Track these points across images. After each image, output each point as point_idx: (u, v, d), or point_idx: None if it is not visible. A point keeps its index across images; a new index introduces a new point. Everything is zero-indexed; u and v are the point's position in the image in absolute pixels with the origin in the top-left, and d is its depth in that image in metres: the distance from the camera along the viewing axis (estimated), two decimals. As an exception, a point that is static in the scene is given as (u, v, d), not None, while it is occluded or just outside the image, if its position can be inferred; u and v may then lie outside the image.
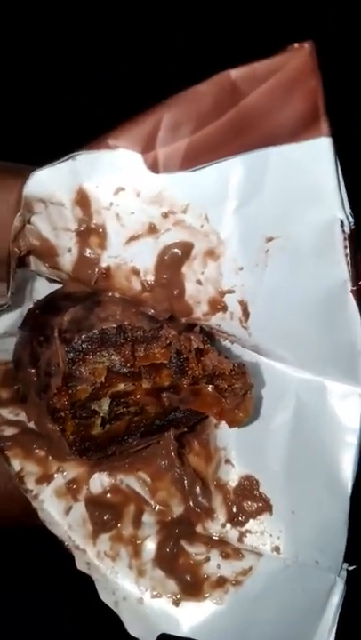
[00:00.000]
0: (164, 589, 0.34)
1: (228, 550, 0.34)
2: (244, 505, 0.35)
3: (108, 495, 0.36)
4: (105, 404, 0.33)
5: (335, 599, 0.35)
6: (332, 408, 0.38)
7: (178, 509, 0.36)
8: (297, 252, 0.33)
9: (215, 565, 0.34)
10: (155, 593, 0.34)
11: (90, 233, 0.32)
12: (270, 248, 0.33)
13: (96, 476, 0.36)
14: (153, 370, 0.34)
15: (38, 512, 0.35)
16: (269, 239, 0.33)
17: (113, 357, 0.34)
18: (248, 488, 0.35)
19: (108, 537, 0.35)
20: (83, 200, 0.30)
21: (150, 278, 0.33)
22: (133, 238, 0.32)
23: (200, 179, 0.30)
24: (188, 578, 0.33)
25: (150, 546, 0.35)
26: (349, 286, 0.34)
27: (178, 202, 0.30)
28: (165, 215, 0.31)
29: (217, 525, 0.36)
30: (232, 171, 0.30)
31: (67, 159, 0.28)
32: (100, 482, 0.36)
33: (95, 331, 0.33)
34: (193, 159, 0.28)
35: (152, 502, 0.36)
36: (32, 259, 0.36)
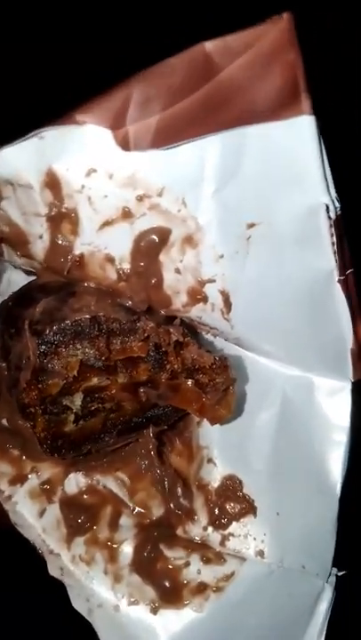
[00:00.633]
0: (141, 596, 0.32)
1: (210, 555, 0.33)
2: (227, 507, 0.34)
3: (84, 496, 0.34)
4: (77, 400, 0.32)
5: (323, 606, 0.34)
6: (320, 405, 0.37)
7: (158, 511, 0.35)
8: (280, 239, 0.32)
9: (195, 571, 0.33)
10: (132, 600, 0.32)
11: (61, 218, 0.30)
12: (251, 235, 0.32)
13: (72, 476, 0.35)
14: (129, 364, 0.33)
15: (10, 515, 0.34)
16: (250, 225, 0.31)
17: (87, 350, 0.32)
18: (231, 489, 0.34)
19: (82, 540, 0.33)
20: (53, 183, 0.29)
21: (126, 266, 0.32)
22: (107, 224, 0.30)
23: (175, 159, 0.28)
24: (167, 584, 0.32)
25: (127, 550, 0.33)
26: (336, 276, 0.33)
27: (153, 184, 0.29)
28: (140, 199, 0.30)
29: (198, 528, 0.34)
30: (208, 151, 0.28)
31: (32, 136, 0.27)
32: (75, 482, 0.35)
33: (68, 322, 0.31)
34: (165, 137, 0.26)
35: (130, 504, 0.35)
36: (5, 247, 0.35)
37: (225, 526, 0.34)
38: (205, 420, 0.36)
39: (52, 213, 0.30)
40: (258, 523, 0.34)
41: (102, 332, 0.32)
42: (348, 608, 0.35)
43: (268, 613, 0.32)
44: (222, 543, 0.34)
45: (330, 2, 0.32)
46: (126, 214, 0.30)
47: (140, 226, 0.31)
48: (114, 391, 0.32)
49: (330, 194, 0.31)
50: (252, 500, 0.34)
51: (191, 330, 0.36)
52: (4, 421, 0.35)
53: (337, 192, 0.31)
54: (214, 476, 0.35)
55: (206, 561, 0.33)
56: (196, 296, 0.33)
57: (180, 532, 0.34)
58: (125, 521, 0.34)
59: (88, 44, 0.38)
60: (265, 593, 0.33)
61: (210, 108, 0.26)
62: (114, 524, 0.34)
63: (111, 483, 0.35)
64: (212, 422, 0.34)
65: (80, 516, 0.33)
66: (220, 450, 0.36)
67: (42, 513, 0.34)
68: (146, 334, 0.33)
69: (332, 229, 0.31)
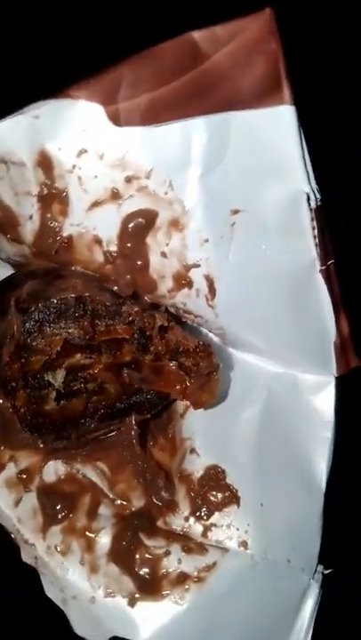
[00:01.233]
0: (118, 587, 0.31)
1: (191, 545, 0.32)
2: (210, 496, 0.33)
3: (63, 485, 0.33)
4: (60, 376, 0.32)
5: (310, 603, 0.33)
6: (304, 402, 0.37)
7: (138, 503, 0.34)
8: (263, 227, 0.33)
9: (176, 560, 0.32)
10: (108, 591, 0.31)
11: (52, 198, 0.32)
12: (236, 221, 0.33)
13: (51, 464, 0.34)
14: (113, 345, 0.33)
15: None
16: (235, 212, 0.33)
17: (71, 330, 0.32)
18: (214, 478, 0.33)
19: (59, 529, 0.32)
20: (45, 162, 0.30)
21: (113, 249, 0.33)
22: (96, 204, 0.32)
23: (163, 142, 0.30)
24: (146, 574, 0.31)
25: (105, 539, 0.32)
26: (318, 266, 0.34)
27: (141, 166, 0.31)
28: (129, 180, 0.31)
29: (180, 519, 0.34)
30: (195, 135, 0.30)
31: (28, 110, 0.28)
32: (54, 470, 0.34)
33: (53, 300, 0.32)
34: (154, 115, 0.28)
35: (110, 494, 0.34)
36: (-6, 234, 0.35)
37: (207, 517, 0.33)
38: (188, 408, 0.36)
39: (44, 193, 0.32)
40: (241, 513, 0.33)
41: (87, 313, 0.32)
42: (336, 607, 0.34)
43: (252, 609, 0.31)
44: (204, 534, 0.33)
45: (330, 2, 0.34)
46: (115, 195, 0.32)
47: (127, 207, 0.32)
48: (97, 371, 0.33)
49: (310, 184, 0.32)
50: (236, 490, 0.34)
51: (176, 319, 0.36)
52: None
53: (320, 185, 0.33)
54: (197, 467, 0.35)
55: (188, 550, 0.32)
56: (182, 281, 0.34)
57: (160, 523, 0.34)
58: (104, 510, 0.34)
59: (88, 43, 0.39)
60: (248, 587, 0.32)
61: (196, 91, 0.28)
62: (92, 513, 0.33)
63: (91, 472, 0.35)
64: (196, 407, 0.34)
65: (58, 504, 0.32)
66: (203, 440, 0.36)
67: (17, 502, 0.33)
68: (131, 318, 0.33)
69: (314, 218, 0.33)
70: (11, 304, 0.32)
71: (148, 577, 0.31)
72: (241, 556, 0.32)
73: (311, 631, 0.32)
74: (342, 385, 0.37)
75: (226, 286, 0.34)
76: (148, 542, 0.32)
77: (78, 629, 0.30)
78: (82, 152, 0.31)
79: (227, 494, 0.33)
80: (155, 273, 0.34)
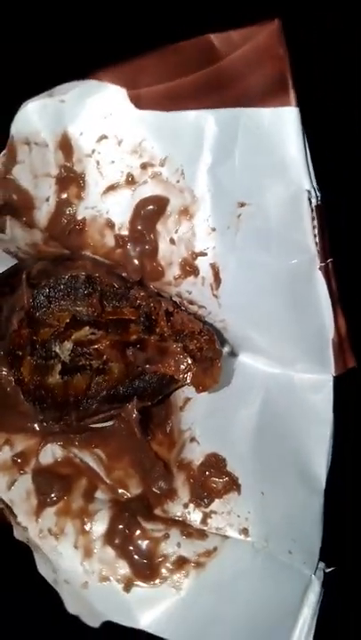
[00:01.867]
0: (113, 572, 0.30)
1: (191, 530, 0.31)
2: (210, 483, 0.32)
3: (59, 467, 0.33)
4: (67, 348, 0.32)
5: (311, 599, 0.31)
6: (302, 400, 0.38)
7: (135, 490, 0.33)
8: (266, 221, 0.35)
9: (175, 544, 0.30)
10: (102, 575, 0.29)
11: (69, 181, 0.33)
12: (242, 213, 0.35)
13: (48, 447, 0.34)
14: (120, 325, 0.34)
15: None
16: (241, 204, 0.35)
17: (79, 308, 0.33)
18: (214, 465, 0.33)
19: (53, 511, 0.31)
20: (66, 145, 0.33)
21: (124, 233, 0.35)
22: (111, 188, 0.33)
23: (178, 132, 0.32)
24: (143, 558, 0.29)
25: (101, 520, 0.31)
26: (318, 263, 0.35)
27: (157, 154, 0.33)
28: (144, 166, 0.33)
29: (179, 506, 0.33)
30: (207, 126, 0.32)
31: (55, 94, 0.31)
32: (51, 453, 0.34)
33: (63, 277, 0.33)
34: (171, 103, 0.31)
35: (107, 480, 0.33)
36: (8, 222, 0.37)
37: (207, 504, 0.32)
38: (188, 401, 0.36)
39: (62, 175, 0.33)
40: (242, 500, 0.32)
41: (96, 291, 0.33)
42: (336, 607, 0.32)
43: (252, 601, 0.30)
44: (204, 521, 0.32)
45: (330, 2, 0.37)
46: (130, 180, 0.33)
47: (141, 193, 0.34)
48: (102, 347, 0.33)
49: (311, 182, 0.35)
50: (236, 477, 0.33)
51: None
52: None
53: (320, 184, 0.35)
54: (197, 455, 0.34)
55: (187, 535, 0.31)
56: (188, 268, 0.35)
57: (158, 511, 0.33)
58: (101, 495, 0.33)
59: (88, 44, 0.42)
60: (249, 577, 0.30)
61: (210, 86, 0.31)
62: (88, 496, 0.32)
63: (88, 458, 0.34)
64: (199, 390, 0.34)
65: (53, 486, 0.31)
66: (204, 429, 0.36)
67: (11, 485, 0.32)
68: (138, 302, 0.34)
69: (314, 215, 0.35)
70: (22, 278, 0.33)
71: (145, 561, 0.29)
72: (242, 543, 0.31)
73: (313, 629, 0.30)
74: (340, 383, 0.38)
75: (230, 276, 0.36)
76: (147, 525, 0.31)
77: (70, 608, 0.28)
78: (102, 138, 0.33)
79: (227, 481, 0.33)
80: (163, 259, 0.35)
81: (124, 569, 0.30)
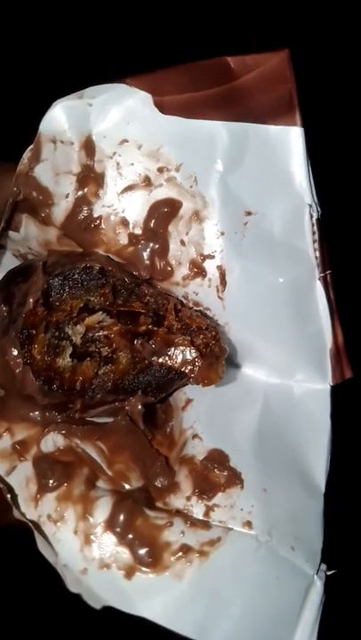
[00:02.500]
0: (114, 559, 0.29)
1: (194, 520, 0.30)
2: (213, 476, 0.32)
3: (61, 455, 0.32)
4: (79, 330, 0.33)
5: (314, 600, 0.31)
6: (300, 409, 0.39)
7: (137, 483, 0.33)
8: (270, 231, 0.37)
9: (178, 532, 0.30)
10: (103, 563, 0.28)
11: (89, 180, 0.36)
12: (248, 221, 0.37)
13: (50, 436, 0.33)
14: (129, 316, 0.35)
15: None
16: (248, 213, 0.37)
17: (92, 298, 0.34)
18: (217, 459, 0.33)
19: (54, 496, 0.30)
20: (89, 146, 0.35)
21: (138, 232, 0.36)
22: (129, 188, 0.36)
23: (193, 141, 0.35)
24: (145, 545, 0.28)
25: (103, 507, 0.30)
26: (317, 273, 0.38)
27: (173, 160, 0.35)
28: (160, 170, 0.36)
29: (181, 499, 0.32)
30: (219, 138, 0.35)
31: (84, 96, 0.33)
32: (53, 442, 0.33)
33: (78, 266, 0.34)
34: (190, 111, 0.34)
35: (108, 472, 0.33)
36: (24, 219, 0.38)
37: (210, 497, 0.32)
38: (189, 402, 0.37)
39: (83, 173, 0.36)
40: (244, 495, 0.32)
41: (108, 283, 0.35)
42: (335, 610, 0.32)
43: (255, 597, 0.29)
44: (207, 514, 0.32)
45: (335, 31, 0.41)
46: (146, 182, 0.36)
47: (156, 195, 0.36)
48: (112, 335, 0.34)
49: (313, 198, 0.37)
50: (239, 472, 0.33)
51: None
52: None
53: (321, 200, 0.38)
54: (200, 450, 0.34)
55: (191, 524, 0.30)
56: (196, 269, 0.37)
57: (160, 504, 0.32)
58: (102, 485, 0.32)
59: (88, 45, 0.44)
60: (252, 570, 0.30)
61: (225, 101, 0.34)
62: (90, 483, 0.31)
63: (90, 449, 0.34)
64: (204, 383, 0.35)
65: (55, 471, 0.31)
66: (206, 426, 0.36)
67: (10, 472, 0.32)
68: (147, 298, 0.35)
69: (315, 228, 0.37)
70: (38, 267, 0.34)
71: (147, 548, 0.29)
72: (245, 535, 0.31)
73: (316, 632, 0.30)
74: (338, 390, 0.39)
75: (236, 279, 0.38)
76: (149, 513, 0.30)
77: (72, 588, 0.26)
78: (123, 141, 0.35)
79: (230, 475, 0.33)
80: (173, 258, 0.37)
81: (125, 556, 0.29)
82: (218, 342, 0.35)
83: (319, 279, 0.38)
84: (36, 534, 0.29)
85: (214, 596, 0.28)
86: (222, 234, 0.37)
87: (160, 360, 0.35)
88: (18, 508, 0.30)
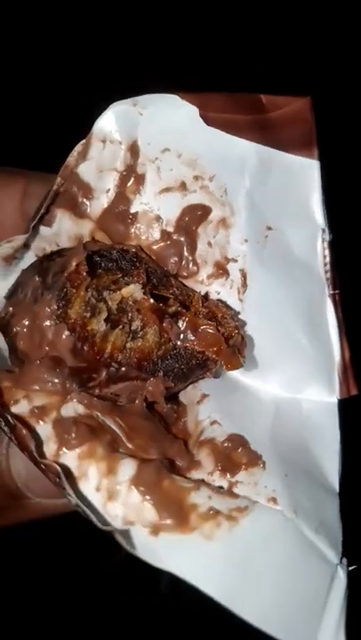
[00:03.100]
0: (139, 517, 0.27)
1: (221, 490, 0.29)
2: (234, 455, 0.32)
3: (82, 419, 0.31)
4: (116, 299, 0.34)
5: (339, 589, 0.29)
6: (310, 422, 0.40)
7: (158, 456, 0.32)
8: (287, 248, 0.41)
9: (206, 496, 0.29)
10: (127, 520, 0.27)
11: (131, 179, 0.39)
12: (269, 235, 0.41)
13: (70, 404, 0.33)
14: (160, 298, 0.36)
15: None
16: (269, 228, 0.41)
17: (127, 278, 0.36)
18: (238, 442, 0.33)
19: (76, 454, 0.29)
20: (134, 150, 0.39)
21: (170, 229, 0.39)
22: (166, 190, 0.39)
23: (227, 158, 0.40)
24: (172, 504, 0.27)
25: (128, 465, 0.29)
26: (328, 291, 0.41)
27: (207, 171, 0.40)
28: (196, 178, 0.40)
29: (203, 474, 0.31)
30: (249, 159, 0.40)
31: (138, 103, 0.38)
32: (73, 409, 0.32)
33: (115, 247, 0.36)
34: (228, 127, 0.38)
35: (128, 445, 0.32)
36: (58, 213, 0.41)
37: (232, 474, 0.31)
38: (205, 397, 0.37)
39: (125, 173, 0.39)
40: (267, 475, 0.32)
41: (142, 266, 0.36)
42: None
43: (285, 576, 0.27)
44: (230, 489, 0.31)
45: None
46: (182, 187, 0.40)
47: (189, 199, 0.40)
48: (144, 310, 0.35)
49: (325, 222, 0.42)
50: (260, 455, 0.33)
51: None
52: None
53: (332, 226, 0.43)
54: (219, 434, 0.34)
55: (218, 492, 0.29)
56: (220, 270, 0.40)
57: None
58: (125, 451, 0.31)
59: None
60: (282, 546, 0.28)
61: (257, 127, 0.40)
62: (113, 447, 0.30)
63: (109, 421, 0.33)
64: (228, 367, 0.35)
65: (79, 429, 0.30)
66: (224, 415, 0.36)
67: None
68: (174, 289, 0.37)
69: (326, 251, 0.41)
70: (80, 243, 0.36)
71: (174, 507, 0.27)
72: (271, 510, 0.30)
73: (344, 622, 0.28)
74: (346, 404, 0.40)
75: (256, 284, 0.40)
76: (176, 477, 0.29)
77: (101, 526, 0.24)
78: (165, 149, 0.40)
79: (251, 456, 0.32)
80: (199, 257, 0.40)
81: (150, 515, 0.27)
82: (239, 332, 0.36)
83: (329, 296, 0.41)
84: (63, 480, 0.27)
85: (245, 564, 0.27)
86: (246, 241, 0.40)
87: (185, 344, 0.35)
88: (43, 456, 0.28)
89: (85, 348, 0.32)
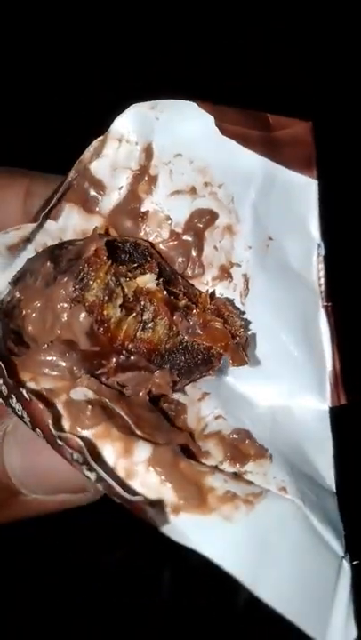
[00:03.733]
0: (158, 497, 0.27)
1: (235, 475, 0.30)
2: (242, 447, 0.32)
3: (93, 403, 0.31)
4: (132, 287, 0.34)
5: (345, 581, 0.30)
6: (303, 428, 0.41)
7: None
8: (286, 258, 0.43)
9: (222, 480, 0.29)
10: (145, 499, 0.26)
11: (143, 178, 0.40)
12: (270, 245, 0.43)
13: (79, 389, 0.32)
14: (170, 293, 0.37)
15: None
16: (270, 238, 0.43)
17: (140, 269, 0.36)
18: (244, 435, 0.33)
19: (91, 434, 0.29)
20: (149, 152, 0.40)
21: (178, 230, 0.41)
22: (177, 192, 0.41)
23: (235, 169, 0.42)
24: (190, 485, 0.27)
25: (144, 447, 0.29)
26: (322, 302, 0.43)
27: (216, 179, 0.42)
28: (205, 185, 0.41)
29: (213, 463, 0.31)
30: (255, 173, 0.42)
31: (156, 108, 0.40)
32: (83, 394, 0.32)
33: (128, 239, 0.37)
34: (239, 138, 0.41)
35: (137, 431, 0.32)
36: (67, 208, 0.41)
37: (242, 463, 0.31)
38: (205, 396, 0.38)
39: (139, 172, 0.40)
40: (275, 467, 0.32)
41: (154, 260, 0.37)
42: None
43: (299, 560, 0.28)
44: (242, 477, 0.31)
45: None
46: (192, 191, 0.41)
47: (198, 203, 0.41)
48: (156, 301, 0.35)
49: (320, 238, 0.45)
50: (266, 449, 0.33)
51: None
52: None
53: (326, 241, 0.45)
54: (225, 427, 0.34)
55: (233, 477, 0.29)
56: (224, 273, 0.41)
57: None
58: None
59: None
60: (296, 531, 0.29)
61: (262, 142, 0.42)
62: (126, 430, 0.30)
63: (118, 409, 0.33)
64: (234, 362, 0.36)
65: (94, 408, 0.30)
66: (228, 410, 0.36)
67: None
68: (181, 287, 0.38)
69: (321, 264, 0.44)
70: (96, 230, 0.36)
71: (193, 488, 0.27)
72: (283, 498, 0.30)
73: (353, 612, 0.28)
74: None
75: (257, 289, 0.42)
76: (191, 461, 0.29)
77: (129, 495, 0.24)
78: (178, 155, 0.41)
79: (259, 448, 0.33)
80: (205, 259, 0.41)
81: (169, 495, 0.27)
82: (245, 331, 0.37)
83: (323, 307, 0.43)
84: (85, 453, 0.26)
85: (263, 547, 0.27)
86: (250, 248, 0.42)
87: (193, 338, 0.36)
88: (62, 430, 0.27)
89: (101, 331, 0.32)
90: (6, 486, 0.32)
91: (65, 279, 0.33)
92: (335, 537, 0.31)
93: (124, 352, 0.34)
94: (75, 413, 0.29)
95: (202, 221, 0.41)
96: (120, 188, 0.40)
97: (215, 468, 0.30)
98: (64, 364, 0.33)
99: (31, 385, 0.32)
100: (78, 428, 0.29)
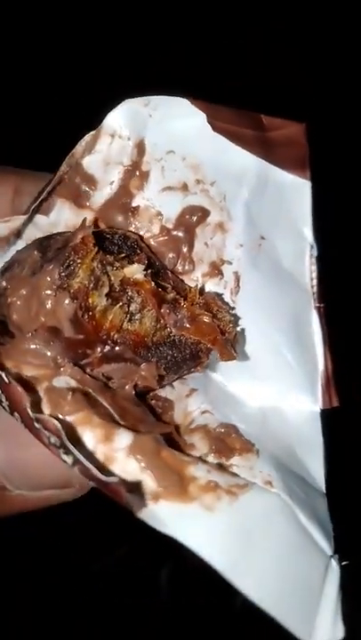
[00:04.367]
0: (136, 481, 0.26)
1: (220, 466, 0.29)
2: (228, 440, 0.32)
3: (75, 393, 0.31)
4: (119, 276, 0.34)
5: (332, 582, 0.29)
6: (294, 430, 0.40)
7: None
8: (278, 258, 0.43)
9: (205, 470, 0.28)
10: (121, 480, 0.26)
11: (135, 174, 0.40)
12: (262, 244, 0.43)
13: (62, 377, 0.32)
14: (158, 286, 0.37)
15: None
16: (262, 237, 0.43)
17: (127, 261, 0.36)
18: (231, 428, 0.33)
19: (71, 419, 0.28)
20: (141, 147, 0.41)
21: (169, 226, 0.41)
22: (168, 188, 0.41)
23: (227, 168, 0.42)
24: (172, 474, 0.26)
25: (125, 435, 0.28)
26: (314, 303, 0.43)
27: (209, 176, 0.42)
28: (197, 182, 0.42)
29: (197, 455, 0.31)
30: (248, 172, 0.43)
31: (149, 104, 0.40)
32: (65, 382, 0.32)
33: (117, 231, 0.37)
34: (232, 137, 0.41)
35: (121, 422, 0.31)
36: (58, 202, 0.41)
37: (228, 457, 0.31)
38: (193, 392, 0.37)
39: (131, 168, 0.40)
40: (261, 462, 0.31)
41: (143, 252, 0.37)
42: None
43: (284, 556, 0.27)
44: (227, 470, 0.30)
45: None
46: (184, 187, 0.41)
47: (190, 200, 0.41)
48: (143, 292, 0.35)
49: (313, 237, 0.44)
50: (253, 444, 0.33)
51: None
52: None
53: (318, 242, 0.45)
54: (211, 421, 0.34)
55: (216, 468, 0.28)
56: (215, 270, 0.41)
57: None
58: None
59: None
60: (281, 526, 0.28)
61: (257, 142, 0.43)
62: (108, 418, 0.29)
63: (102, 399, 0.32)
64: (222, 357, 0.36)
65: (75, 395, 0.29)
66: (215, 406, 0.36)
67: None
68: (170, 281, 0.38)
69: (314, 265, 0.44)
70: (84, 220, 0.36)
71: (174, 476, 0.26)
72: (268, 492, 0.29)
73: (340, 613, 0.27)
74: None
75: (248, 287, 0.42)
76: (174, 451, 0.28)
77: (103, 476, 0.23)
78: (170, 151, 0.41)
79: (245, 442, 0.32)
80: (196, 255, 0.41)
81: (150, 484, 0.26)
82: (235, 326, 0.37)
83: (315, 309, 0.42)
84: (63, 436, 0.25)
85: (246, 539, 0.26)
86: (241, 246, 0.42)
87: (181, 332, 0.36)
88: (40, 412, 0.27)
89: (86, 318, 0.32)
90: None
91: (51, 267, 0.33)
92: (324, 536, 0.30)
93: (109, 342, 0.33)
94: (55, 399, 0.29)
95: (193, 218, 0.41)
96: (111, 182, 0.40)
97: (199, 459, 0.30)
98: (48, 352, 0.32)
99: (14, 373, 0.31)
100: (58, 414, 0.28)
